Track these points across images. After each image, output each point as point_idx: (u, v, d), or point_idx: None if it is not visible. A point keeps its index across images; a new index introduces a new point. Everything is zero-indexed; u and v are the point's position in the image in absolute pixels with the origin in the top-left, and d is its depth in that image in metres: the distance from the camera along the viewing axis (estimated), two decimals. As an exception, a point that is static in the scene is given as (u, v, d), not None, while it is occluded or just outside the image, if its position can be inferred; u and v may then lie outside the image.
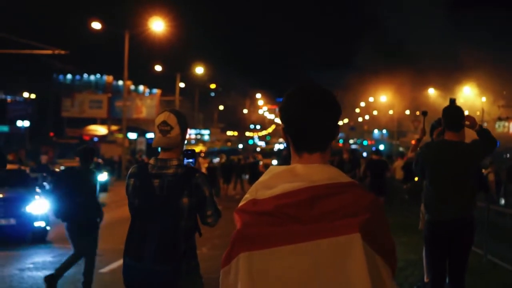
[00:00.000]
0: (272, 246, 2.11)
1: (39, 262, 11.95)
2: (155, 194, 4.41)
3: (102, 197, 25.79)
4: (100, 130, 61.04)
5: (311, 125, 2.25)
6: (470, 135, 6.68)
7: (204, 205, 4.53)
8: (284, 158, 14.45)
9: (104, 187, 29.69)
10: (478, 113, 63.92)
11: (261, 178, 2.29)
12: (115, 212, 22.76)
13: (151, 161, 4.55)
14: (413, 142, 7.59)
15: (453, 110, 6.28)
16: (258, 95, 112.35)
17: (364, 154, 47.28)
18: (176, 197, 4.40)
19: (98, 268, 11.23)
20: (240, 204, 2.26)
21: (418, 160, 6.34)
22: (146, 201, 4.42)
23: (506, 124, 67.40)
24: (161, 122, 4.48)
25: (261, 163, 39.09)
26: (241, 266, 2.14)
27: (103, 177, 30.45)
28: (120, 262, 11.72)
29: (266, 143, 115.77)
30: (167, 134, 4.46)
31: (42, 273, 10.85)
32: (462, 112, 6.32)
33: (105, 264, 11.57)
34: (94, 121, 62.61)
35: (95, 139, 57.72)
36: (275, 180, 2.23)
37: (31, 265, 11.62)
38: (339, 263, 2.07)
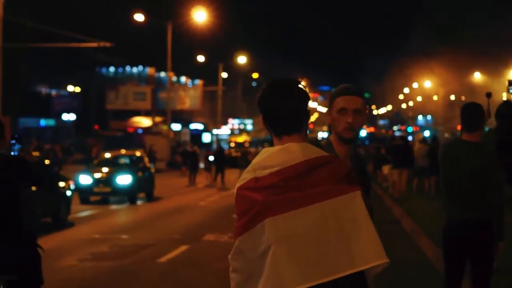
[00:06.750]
0: (290, 210, 2.63)
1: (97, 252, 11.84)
2: None
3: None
4: (144, 121, 61.27)
5: (282, 112, 2.76)
6: None
7: None
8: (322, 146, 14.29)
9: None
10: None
11: (256, 160, 2.76)
12: (169, 202, 22.52)
13: None
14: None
15: (468, 110, 5.65)
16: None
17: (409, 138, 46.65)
18: None
19: (155, 258, 11.11)
20: (241, 184, 2.71)
21: (437, 157, 5.85)
22: None
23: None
24: None
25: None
26: (267, 229, 2.63)
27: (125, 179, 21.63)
28: (176, 252, 11.63)
29: (310, 131, 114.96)
30: None
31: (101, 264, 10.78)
32: (480, 112, 5.62)
33: (162, 254, 11.41)
34: (138, 113, 62.85)
35: (139, 130, 57.95)
36: (272, 159, 2.72)
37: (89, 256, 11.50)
38: (345, 213, 2.67)
